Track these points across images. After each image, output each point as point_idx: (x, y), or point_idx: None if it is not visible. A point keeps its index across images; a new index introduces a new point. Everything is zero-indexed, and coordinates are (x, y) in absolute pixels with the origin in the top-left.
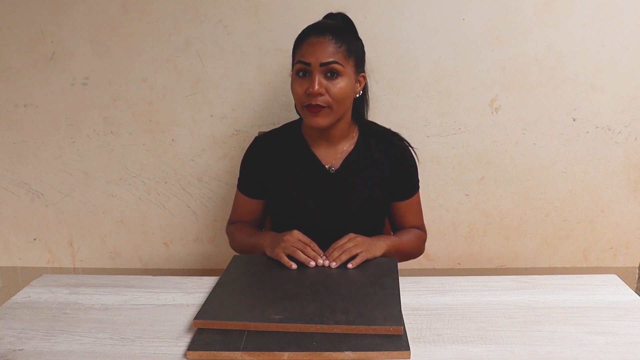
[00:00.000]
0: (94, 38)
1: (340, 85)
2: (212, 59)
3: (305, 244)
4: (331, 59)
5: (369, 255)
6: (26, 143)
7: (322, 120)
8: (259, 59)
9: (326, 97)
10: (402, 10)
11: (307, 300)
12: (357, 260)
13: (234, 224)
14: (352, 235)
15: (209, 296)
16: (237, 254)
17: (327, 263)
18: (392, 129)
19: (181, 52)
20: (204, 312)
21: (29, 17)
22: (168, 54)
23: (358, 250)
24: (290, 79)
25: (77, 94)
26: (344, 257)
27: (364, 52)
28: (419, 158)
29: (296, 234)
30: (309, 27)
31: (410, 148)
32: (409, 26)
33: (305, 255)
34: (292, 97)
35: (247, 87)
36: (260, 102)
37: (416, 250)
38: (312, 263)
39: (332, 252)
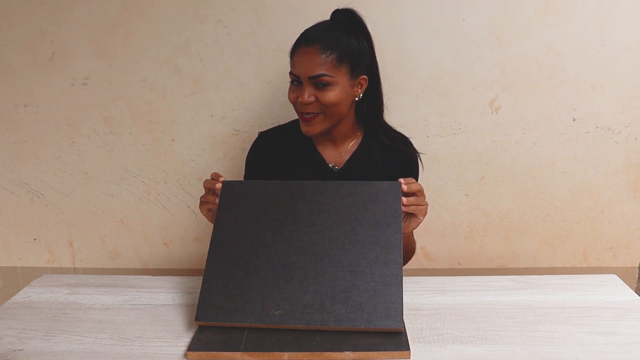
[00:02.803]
0: (94, 38)
1: (330, 94)
2: (212, 59)
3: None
4: (318, 72)
5: (421, 220)
6: (26, 143)
7: (314, 128)
8: (259, 59)
9: (317, 105)
10: (402, 10)
11: (306, 279)
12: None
13: None
14: (422, 189)
15: (205, 273)
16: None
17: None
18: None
19: (181, 52)
20: (203, 309)
21: (29, 17)
22: (168, 54)
23: (421, 215)
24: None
25: (77, 94)
26: (412, 210)
27: (366, 53)
28: (422, 163)
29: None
30: (302, 33)
31: (416, 154)
32: (409, 26)
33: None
34: None
35: (247, 87)
36: (260, 102)
37: (414, 244)
38: (218, 185)
39: (410, 198)
